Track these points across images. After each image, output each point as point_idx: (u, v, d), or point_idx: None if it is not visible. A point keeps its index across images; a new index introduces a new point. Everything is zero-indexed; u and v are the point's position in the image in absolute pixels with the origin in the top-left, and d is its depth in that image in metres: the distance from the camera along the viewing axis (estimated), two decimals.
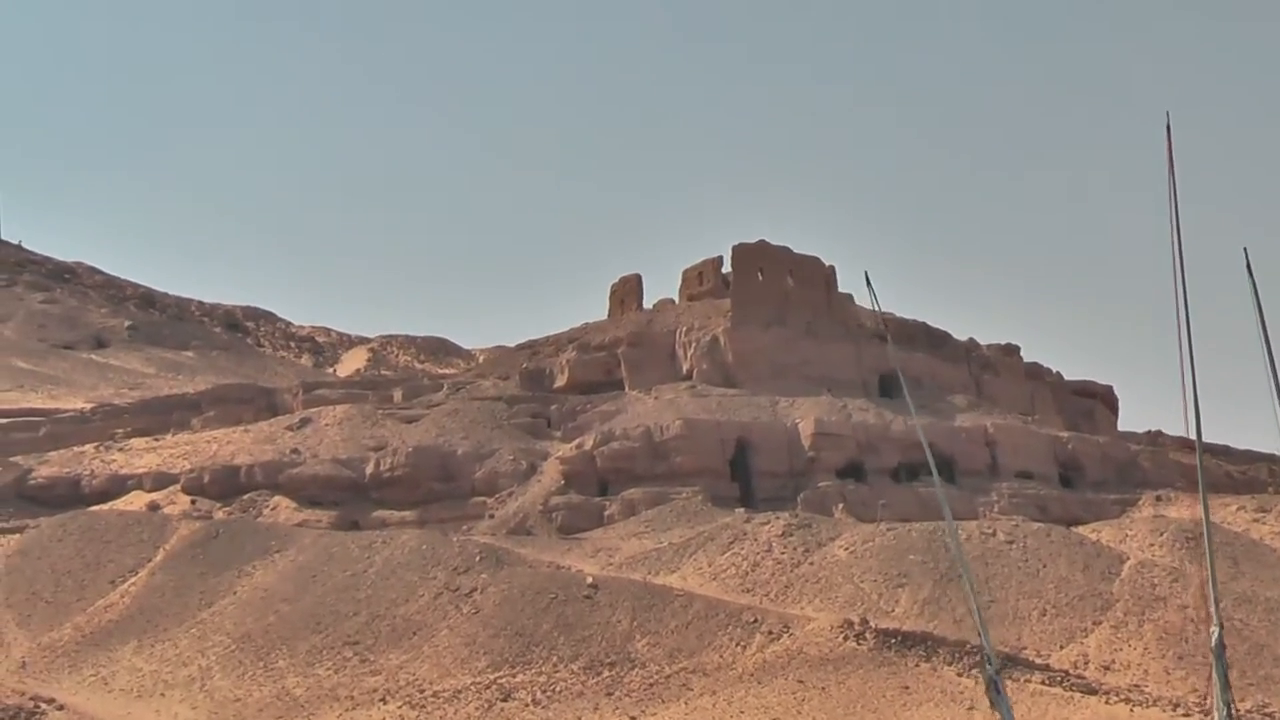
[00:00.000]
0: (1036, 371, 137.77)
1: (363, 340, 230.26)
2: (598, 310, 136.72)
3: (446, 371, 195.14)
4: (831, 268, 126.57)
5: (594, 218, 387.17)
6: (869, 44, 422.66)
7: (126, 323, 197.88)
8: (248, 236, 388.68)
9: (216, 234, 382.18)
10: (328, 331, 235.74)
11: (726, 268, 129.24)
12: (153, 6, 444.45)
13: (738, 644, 77.22)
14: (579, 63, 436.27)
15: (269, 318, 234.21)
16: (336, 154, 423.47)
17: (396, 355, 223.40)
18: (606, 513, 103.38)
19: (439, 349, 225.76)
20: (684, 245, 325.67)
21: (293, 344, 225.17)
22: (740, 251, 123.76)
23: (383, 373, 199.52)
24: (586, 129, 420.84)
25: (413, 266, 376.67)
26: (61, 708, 72.74)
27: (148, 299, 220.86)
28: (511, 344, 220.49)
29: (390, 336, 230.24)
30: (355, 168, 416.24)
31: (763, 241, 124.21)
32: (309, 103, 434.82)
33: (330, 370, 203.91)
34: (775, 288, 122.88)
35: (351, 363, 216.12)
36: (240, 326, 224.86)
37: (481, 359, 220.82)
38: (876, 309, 40.87)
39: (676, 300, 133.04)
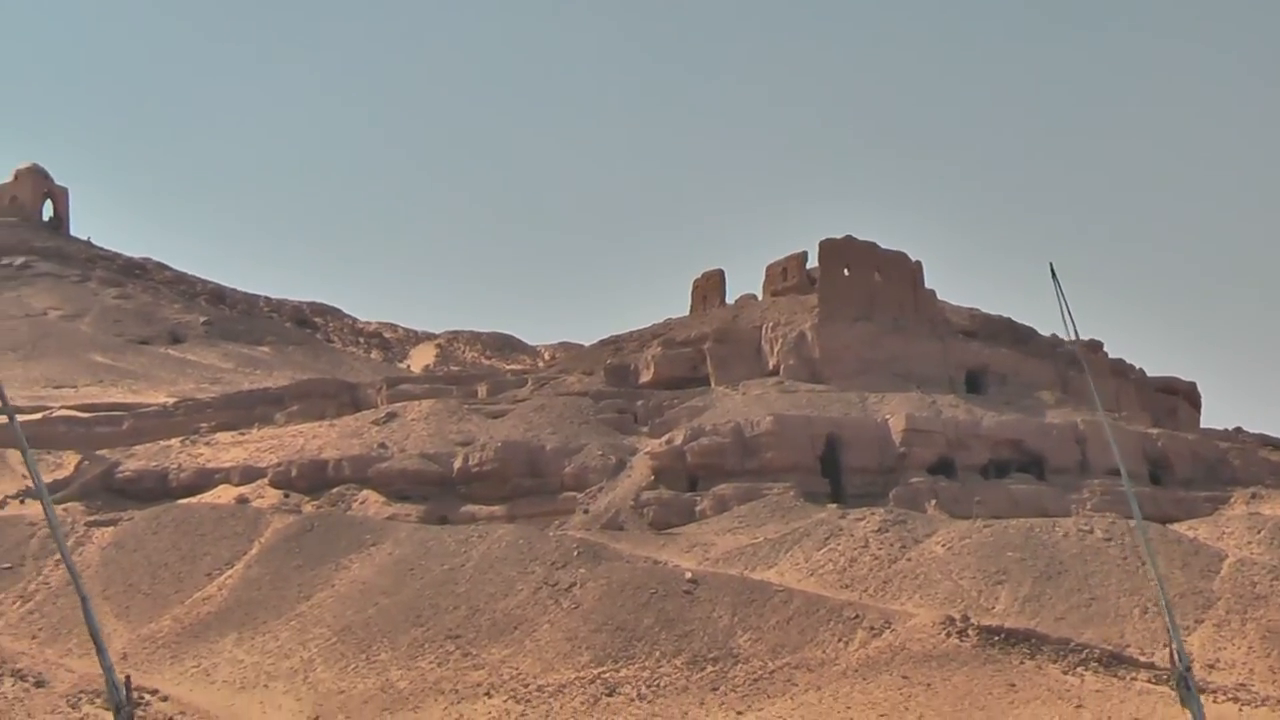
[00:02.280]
0: (1120, 368, 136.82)
1: (429, 336, 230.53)
2: (669, 305, 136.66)
3: (513, 367, 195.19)
4: (918, 263, 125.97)
5: (671, 213, 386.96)
6: (955, 36, 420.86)
7: (202, 318, 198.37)
8: (311, 233, 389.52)
9: (281, 230, 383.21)
10: (394, 327, 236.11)
11: (810, 263, 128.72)
12: (210, 3, 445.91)
13: (840, 640, 76.68)
14: (659, 54, 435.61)
15: (335, 313, 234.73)
16: (400, 148, 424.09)
17: (463, 351, 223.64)
18: (698, 508, 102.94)
19: (504, 345, 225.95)
20: (759, 241, 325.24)
21: (361, 340, 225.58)
22: (827, 247, 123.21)
23: (451, 368, 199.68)
24: (662, 122, 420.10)
25: (476, 262, 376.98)
26: (165, 699, 72.67)
27: (218, 295, 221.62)
28: (578, 340, 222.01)
29: (456, 332, 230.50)
30: (419, 162, 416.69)
31: (849, 237, 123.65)
32: (370, 97, 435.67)
33: (405, 365, 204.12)
34: (862, 283, 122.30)
35: (420, 358, 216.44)
36: (309, 322, 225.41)
37: (548, 355, 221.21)
38: (1063, 304, 39.72)
39: (760, 296, 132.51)
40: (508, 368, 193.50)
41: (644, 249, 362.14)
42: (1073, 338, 41.44)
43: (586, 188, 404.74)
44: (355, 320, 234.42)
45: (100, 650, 34.55)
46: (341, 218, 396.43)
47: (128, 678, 35.89)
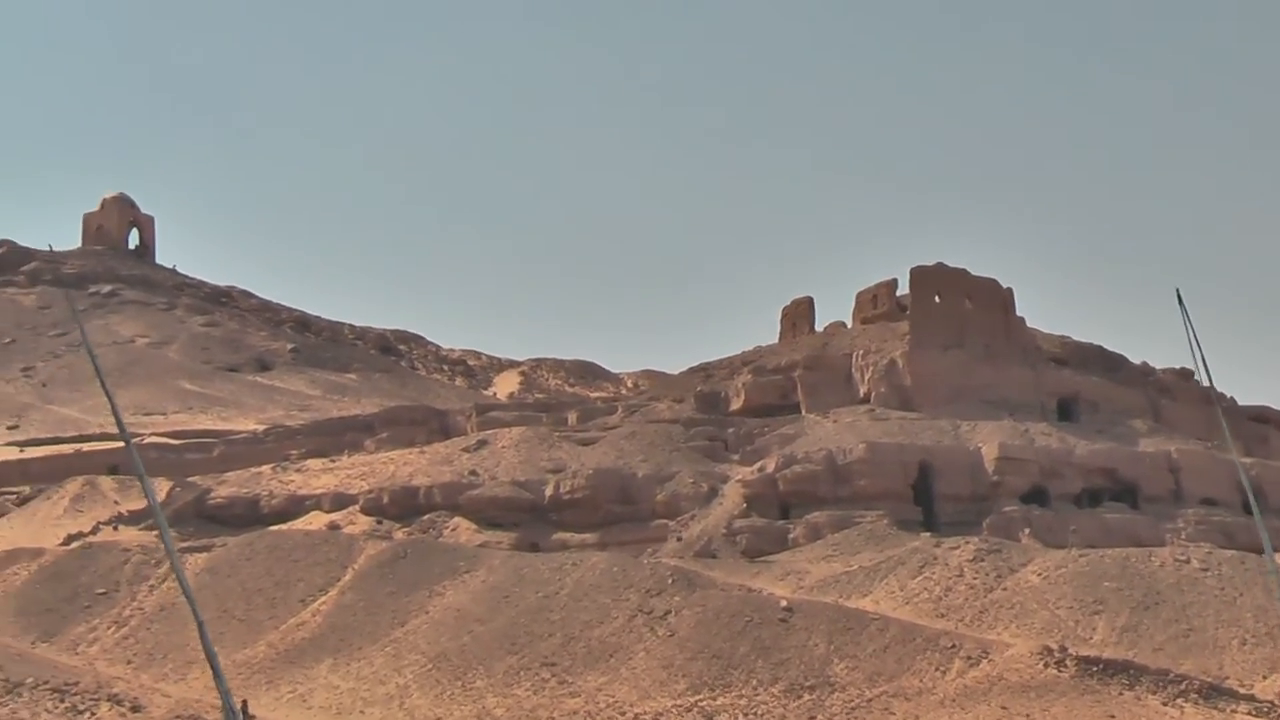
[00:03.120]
0: (1211, 396, 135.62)
1: (513, 363, 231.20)
2: (755, 333, 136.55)
3: (597, 394, 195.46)
4: (1009, 290, 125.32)
5: (757, 240, 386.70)
6: (1046, 63, 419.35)
7: (289, 345, 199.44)
8: (393, 260, 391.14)
9: (363, 258, 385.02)
10: (478, 355, 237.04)
11: (900, 290, 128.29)
12: (298, 37, 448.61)
13: (937, 669, 76.01)
14: (748, 80, 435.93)
15: (419, 341, 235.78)
16: (483, 177, 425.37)
17: (546, 378, 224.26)
18: (790, 536, 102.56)
19: (587, 372, 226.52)
20: (847, 269, 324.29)
21: (445, 367, 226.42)
22: (919, 274, 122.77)
23: (536, 396, 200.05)
24: (749, 149, 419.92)
25: (559, 290, 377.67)
26: None
27: (303, 322, 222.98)
28: (660, 368, 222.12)
29: (539, 360, 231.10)
30: (501, 190, 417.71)
31: (941, 264, 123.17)
32: (455, 127, 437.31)
33: (492, 393, 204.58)
34: (953, 310, 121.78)
35: (504, 385, 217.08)
36: (393, 350, 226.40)
37: (630, 382, 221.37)
38: (1190, 330, 39.13)
39: (849, 323, 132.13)
40: (591, 395, 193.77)
41: (730, 277, 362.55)
42: (1201, 362, 40.82)
43: (672, 215, 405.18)
44: (439, 347, 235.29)
45: (217, 674, 34.58)
46: (424, 245, 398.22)
47: (244, 702, 35.84)
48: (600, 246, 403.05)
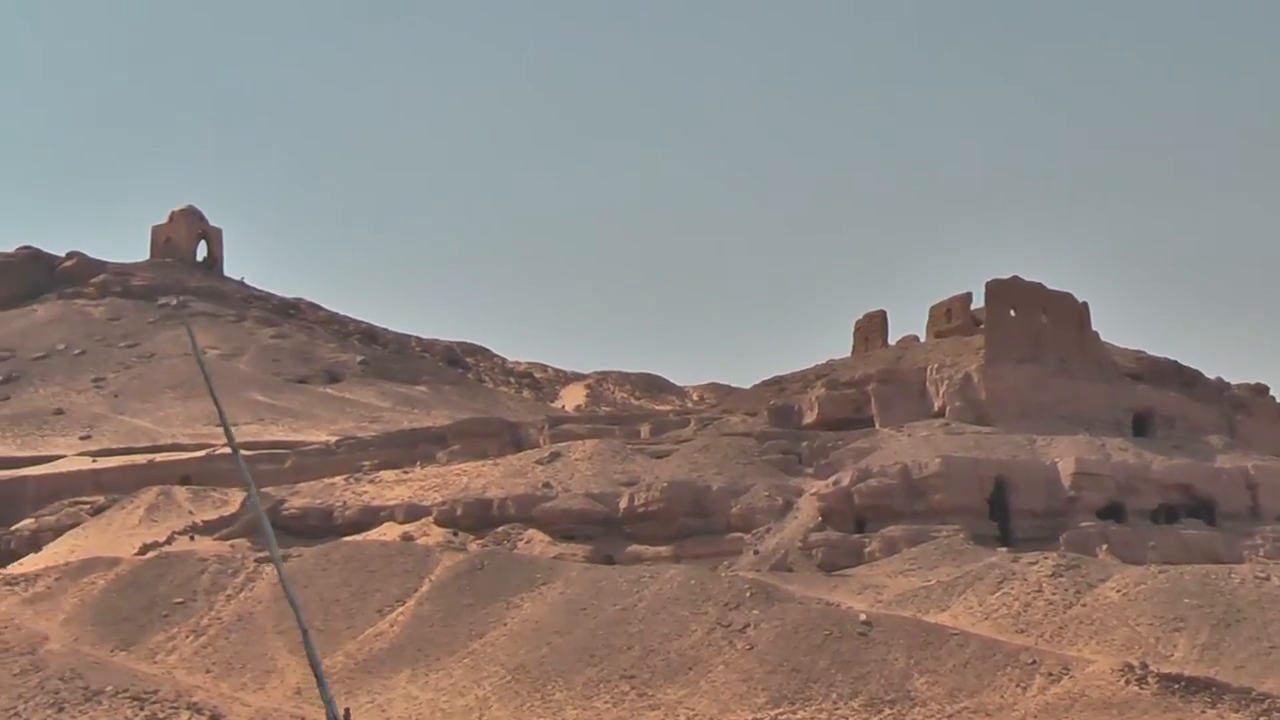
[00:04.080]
0: None
1: (578, 376, 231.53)
2: (823, 346, 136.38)
3: (662, 407, 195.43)
4: (1084, 304, 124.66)
5: (828, 253, 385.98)
6: (1123, 73, 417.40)
7: (358, 357, 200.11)
8: (457, 274, 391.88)
9: (428, 270, 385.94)
10: (544, 367, 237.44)
11: (974, 304, 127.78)
12: (365, 51, 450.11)
13: (1018, 685, 75.46)
14: (820, 92, 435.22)
15: (485, 353, 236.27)
16: (547, 189, 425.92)
17: (612, 391, 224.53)
18: (867, 549, 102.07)
19: (652, 385, 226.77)
20: (916, 282, 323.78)
21: (512, 379, 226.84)
22: (994, 287, 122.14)
23: (603, 409, 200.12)
24: (819, 163, 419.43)
25: (624, 303, 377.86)
26: None
27: (370, 335, 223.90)
28: (725, 381, 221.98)
29: (605, 373, 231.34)
30: (566, 203, 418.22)
31: (1016, 277, 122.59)
32: (516, 140, 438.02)
33: (560, 405, 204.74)
34: (1028, 325, 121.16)
35: (571, 398, 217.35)
36: (460, 362, 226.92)
37: (696, 395, 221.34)
38: None
39: (921, 337, 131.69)
40: (657, 408, 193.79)
41: (798, 290, 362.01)
42: None
43: (740, 229, 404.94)
44: (504, 360, 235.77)
45: (320, 683, 34.53)
46: (488, 258, 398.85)
47: (347, 711, 35.79)
48: (665, 260, 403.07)
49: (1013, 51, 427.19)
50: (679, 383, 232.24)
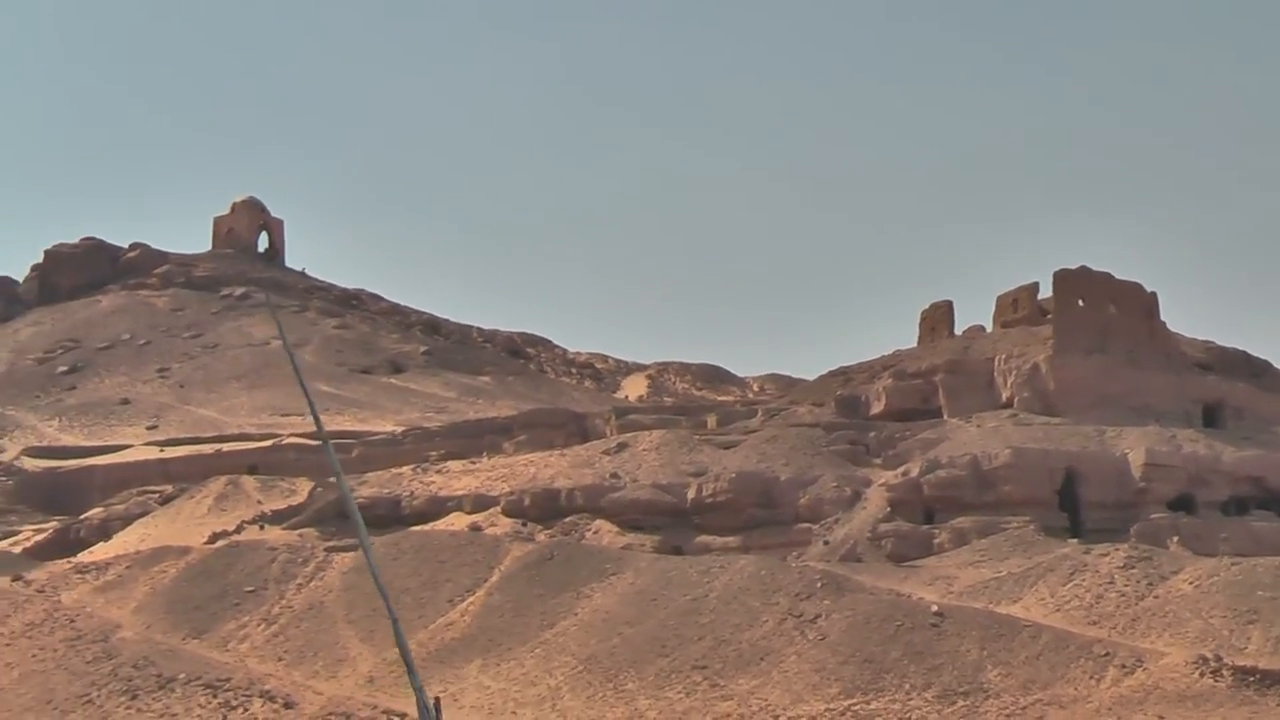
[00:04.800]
0: None
1: (639, 367, 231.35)
2: (878, 338, 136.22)
3: (723, 398, 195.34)
4: (1153, 294, 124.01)
5: (892, 244, 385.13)
6: (1190, 60, 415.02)
7: (422, 348, 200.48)
8: (516, 264, 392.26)
9: (487, 261, 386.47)
10: (605, 358, 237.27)
11: (1042, 294, 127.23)
12: (422, 40, 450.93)
13: (1091, 677, 75.03)
14: (884, 82, 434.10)
15: (546, 344, 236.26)
16: (603, 179, 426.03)
17: (673, 382, 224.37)
18: (936, 541, 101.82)
19: (713, 376, 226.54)
20: (979, 272, 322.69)
21: (573, 370, 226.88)
22: (1062, 277, 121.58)
23: (665, 399, 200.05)
24: (883, 152, 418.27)
25: (684, 294, 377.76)
26: None
27: (432, 325, 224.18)
28: (785, 372, 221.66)
29: (666, 363, 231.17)
30: (623, 193, 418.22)
31: (1084, 267, 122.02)
32: (574, 131, 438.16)
33: (624, 396, 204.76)
34: (1097, 315, 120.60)
35: (632, 389, 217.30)
36: (521, 353, 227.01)
37: (757, 386, 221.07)
38: None
39: (988, 327, 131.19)
40: (718, 398, 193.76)
41: (861, 281, 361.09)
42: None
43: (803, 219, 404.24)
44: (565, 351, 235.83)
45: (410, 670, 34.52)
46: (546, 248, 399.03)
47: (437, 699, 35.76)
48: (725, 250, 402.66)
49: (1083, 37, 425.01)
50: (739, 373, 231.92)
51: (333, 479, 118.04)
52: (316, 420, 33.42)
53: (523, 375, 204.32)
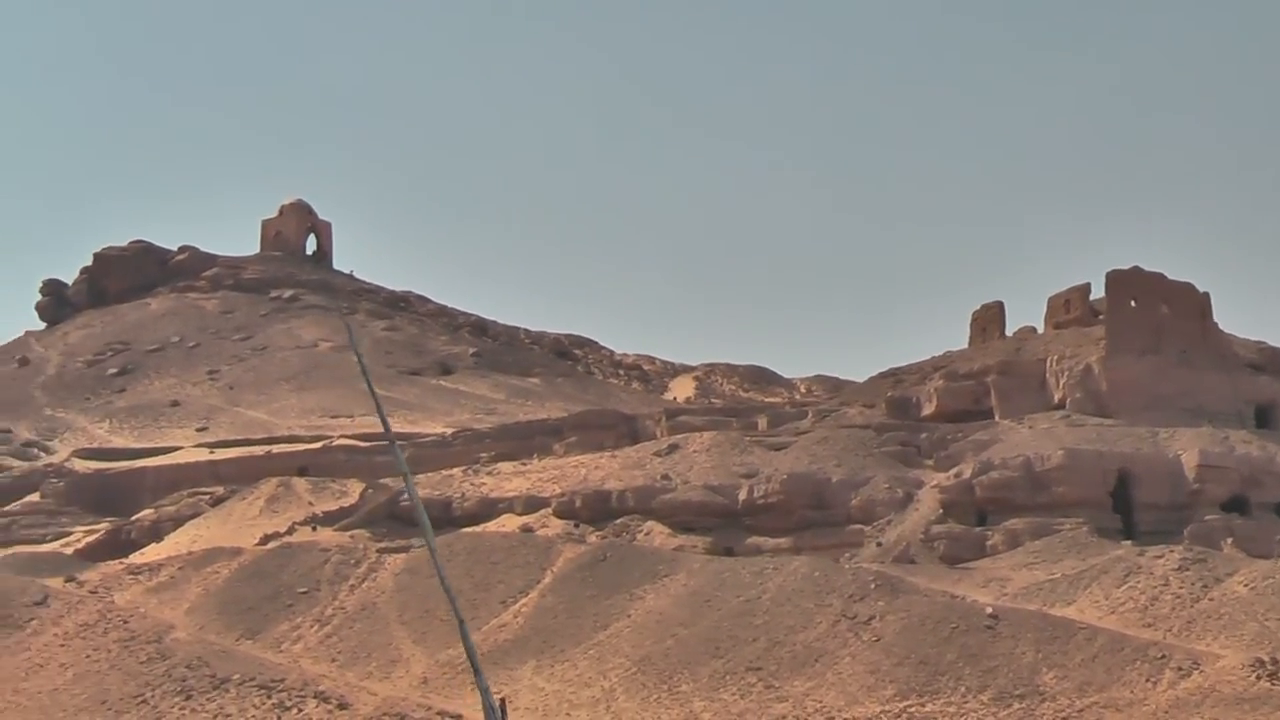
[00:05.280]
0: None
1: (686, 368, 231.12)
2: (935, 338, 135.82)
3: (771, 399, 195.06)
4: (1206, 295, 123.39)
5: (941, 245, 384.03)
6: (1242, 55, 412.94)
7: (470, 350, 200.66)
8: (561, 265, 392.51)
9: (533, 263, 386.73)
10: (652, 360, 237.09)
11: (1093, 295, 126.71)
12: (467, 46, 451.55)
13: (1147, 680, 74.56)
14: (930, 80, 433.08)
15: (593, 345, 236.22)
16: (649, 183, 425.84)
17: (720, 383, 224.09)
18: (989, 543, 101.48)
19: (760, 377, 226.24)
20: (1024, 273, 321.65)
21: (620, 372, 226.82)
22: (1115, 278, 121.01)
23: (712, 401, 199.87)
24: (932, 152, 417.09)
25: (731, 295, 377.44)
26: None
27: (480, 327, 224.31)
28: (832, 373, 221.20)
29: (712, 365, 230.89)
30: (670, 197, 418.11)
31: (1136, 268, 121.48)
32: (617, 135, 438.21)
33: (672, 398, 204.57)
34: (1150, 316, 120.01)
35: (680, 390, 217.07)
36: (568, 354, 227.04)
37: (804, 388, 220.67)
38: None
39: (1039, 328, 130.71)
40: (766, 400, 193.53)
41: (910, 281, 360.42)
42: None
43: (852, 220, 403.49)
44: (612, 352, 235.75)
45: (476, 671, 34.56)
46: (592, 250, 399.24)
47: (503, 700, 35.72)
48: (770, 251, 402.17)
49: (1136, 35, 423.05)
50: (786, 374, 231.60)
51: (383, 480, 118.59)
52: (385, 424, 33.48)
53: (571, 377, 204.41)
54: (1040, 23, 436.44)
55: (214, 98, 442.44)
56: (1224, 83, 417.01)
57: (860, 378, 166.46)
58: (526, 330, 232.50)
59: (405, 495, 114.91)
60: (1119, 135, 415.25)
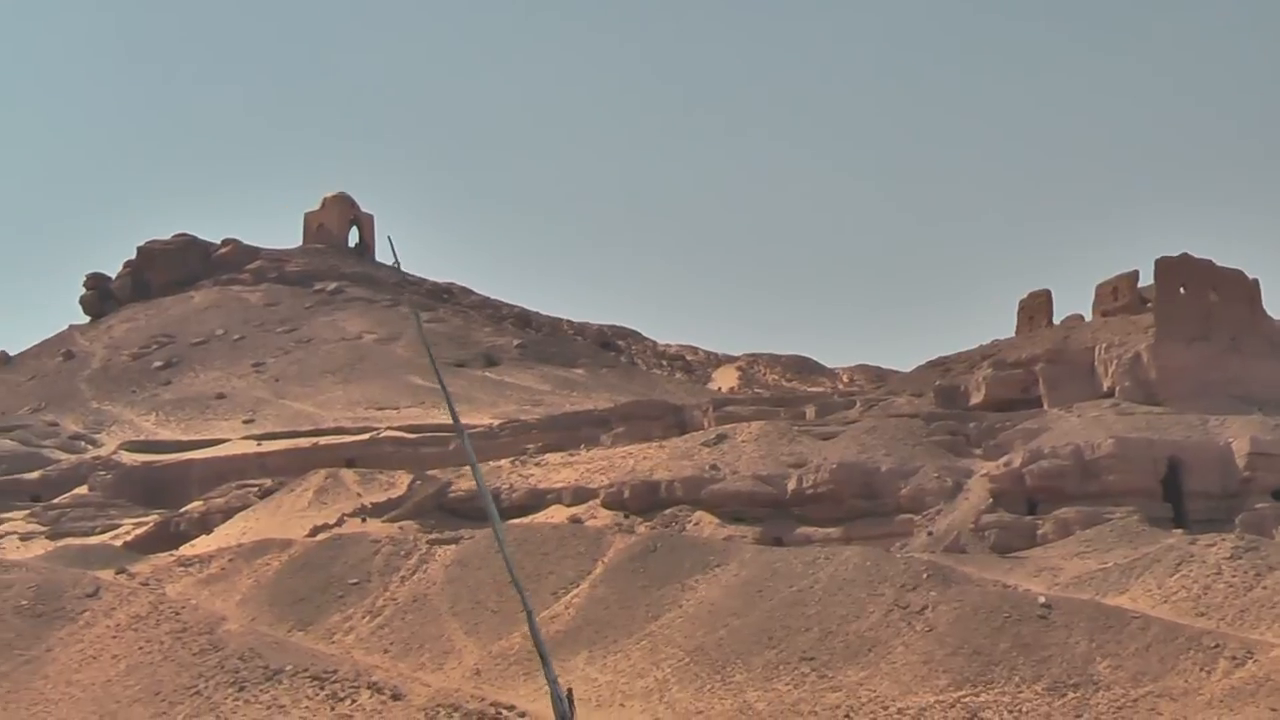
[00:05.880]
0: None
1: (729, 358, 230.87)
2: (979, 327, 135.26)
3: (814, 389, 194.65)
4: (1255, 281, 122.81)
5: (985, 233, 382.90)
6: None
7: (515, 341, 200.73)
8: (603, 257, 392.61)
9: (574, 255, 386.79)
10: (695, 350, 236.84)
11: (1141, 282, 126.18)
12: (510, 39, 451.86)
13: (1201, 669, 74.37)
14: (979, 74, 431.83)
15: (636, 336, 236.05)
16: (691, 172, 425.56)
17: (763, 373, 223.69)
18: (1039, 532, 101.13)
19: (803, 367, 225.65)
20: (1069, 261, 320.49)
21: (664, 362, 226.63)
22: (1163, 265, 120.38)
23: (756, 390, 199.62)
24: (980, 143, 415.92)
25: (773, 285, 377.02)
26: (524, 715, 73.07)
27: (523, 318, 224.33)
28: (874, 363, 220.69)
29: (755, 355, 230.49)
30: (711, 188, 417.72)
31: (1185, 255, 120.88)
32: (667, 123, 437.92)
33: (717, 388, 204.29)
34: (1199, 303, 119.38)
35: (724, 380, 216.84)
36: (611, 345, 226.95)
37: (846, 377, 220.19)
38: None
39: (1086, 316, 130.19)
40: (809, 390, 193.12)
41: (955, 271, 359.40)
42: None
43: (892, 208, 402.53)
44: (655, 343, 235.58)
45: (545, 661, 34.49)
46: (632, 240, 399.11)
47: (570, 690, 35.66)
48: (813, 241, 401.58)
49: (1180, 21, 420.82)
50: (828, 364, 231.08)
51: (430, 471, 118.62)
52: (453, 414, 33.36)
53: (615, 368, 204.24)
54: (1087, 10, 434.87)
55: (257, 91, 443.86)
56: (1275, 67, 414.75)
57: (902, 367, 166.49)
58: (569, 321, 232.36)
59: (452, 487, 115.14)
60: (1167, 121, 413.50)
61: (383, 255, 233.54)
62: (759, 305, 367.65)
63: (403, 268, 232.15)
